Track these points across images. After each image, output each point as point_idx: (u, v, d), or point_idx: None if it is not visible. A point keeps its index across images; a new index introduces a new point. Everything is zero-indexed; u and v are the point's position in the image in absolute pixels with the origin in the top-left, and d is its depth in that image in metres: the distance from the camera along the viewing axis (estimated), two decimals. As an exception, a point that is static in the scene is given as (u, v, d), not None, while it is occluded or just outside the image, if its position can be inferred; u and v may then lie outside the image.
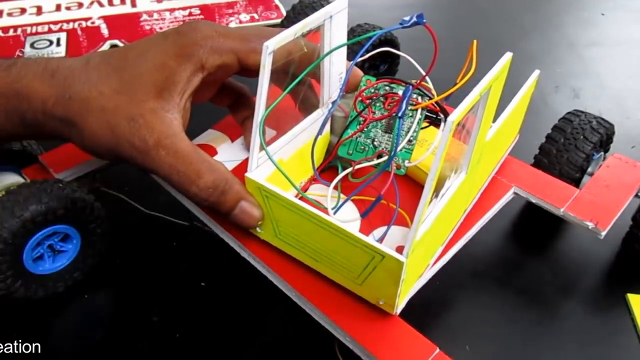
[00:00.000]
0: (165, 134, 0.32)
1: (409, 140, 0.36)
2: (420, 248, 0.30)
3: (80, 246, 0.38)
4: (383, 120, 0.37)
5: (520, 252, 0.45)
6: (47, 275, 0.37)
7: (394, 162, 0.36)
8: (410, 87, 0.36)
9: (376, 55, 0.48)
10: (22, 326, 0.38)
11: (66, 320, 0.39)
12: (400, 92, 0.37)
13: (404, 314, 0.33)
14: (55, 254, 0.38)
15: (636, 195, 0.42)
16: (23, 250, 0.35)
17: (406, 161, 0.36)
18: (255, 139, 0.32)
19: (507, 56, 0.30)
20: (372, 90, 0.38)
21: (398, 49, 0.56)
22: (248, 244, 0.36)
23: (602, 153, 0.46)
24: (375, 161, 0.36)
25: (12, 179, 0.40)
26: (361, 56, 0.35)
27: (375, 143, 0.37)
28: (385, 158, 0.36)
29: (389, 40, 0.56)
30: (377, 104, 0.37)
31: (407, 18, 0.31)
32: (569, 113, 0.46)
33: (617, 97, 0.64)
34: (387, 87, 0.38)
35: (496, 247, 0.45)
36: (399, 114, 0.35)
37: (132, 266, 0.42)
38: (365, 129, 0.37)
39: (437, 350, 0.30)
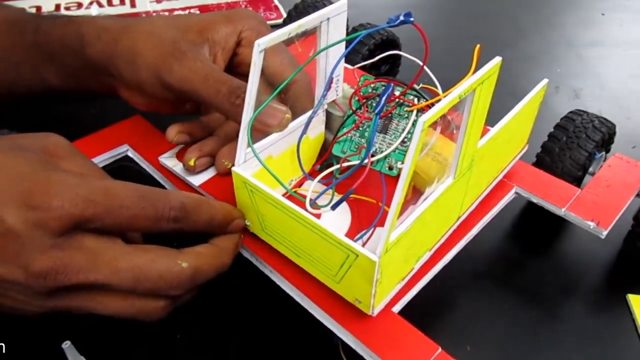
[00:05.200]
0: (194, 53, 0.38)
1: (402, 142, 0.36)
2: (398, 250, 0.30)
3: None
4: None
5: (521, 252, 0.45)
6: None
7: (387, 162, 0.36)
8: (391, 85, 0.36)
9: (376, 55, 0.48)
10: (17, 327, 0.38)
11: (64, 322, 0.38)
12: (398, 93, 0.37)
13: (405, 313, 0.33)
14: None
15: (638, 195, 0.42)
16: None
17: (399, 162, 0.36)
18: (243, 134, 0.33)
19: (496, 60, 0.29)
20: (370, 90, 0.38)
21: (400, 50, 0.56)
22: (250, 244, 0.36)
23: (604, 153, 0.46)
24: (367, 160, 0.36)
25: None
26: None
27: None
28: (378, 157, 0.36)
29: (390, 41, 0.56)
30: (373, 104, 0.37)
31: (394, 17, 0.31)
32: (571, 112, 0.46)
33: (617, 97, 0.64)
34: (384, 87, 0.38)
35: (497, 247, 0.45)
36: (376, 111, 0.35)
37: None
38: (360, 128, 0.37)
39: (439, 349, 0.30)
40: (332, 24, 0.34)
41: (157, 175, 0.41)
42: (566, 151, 0.43)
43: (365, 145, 0.37)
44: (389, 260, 0.29)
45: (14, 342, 0.37)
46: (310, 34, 0.34)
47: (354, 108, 0.37)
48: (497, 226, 0.44)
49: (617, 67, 0.70)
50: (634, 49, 0.74)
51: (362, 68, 0.55)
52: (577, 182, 0.43)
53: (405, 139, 0.36)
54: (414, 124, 0.36)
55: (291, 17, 0.60)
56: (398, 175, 0.37)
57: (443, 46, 0.66)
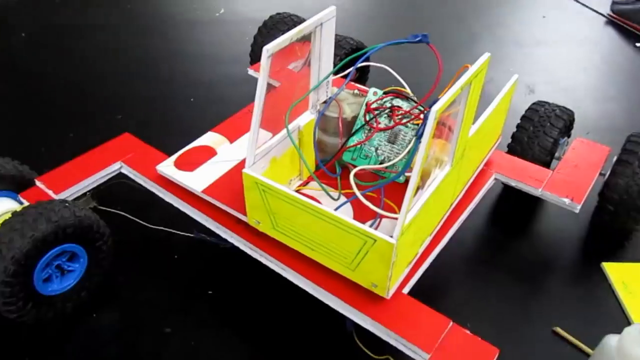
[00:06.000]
0: None
1: (408, 152, 0.39)
2: (410, 233, 0.32)
3: (87, 264, 0.38)
4: (387, 131, 0.40)
5: (503, 235, 0.48)
6: (56, 296, 0.37)
7: (395, 169, 0.40)
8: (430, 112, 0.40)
9: (347, 64, 0.50)
10: (34, 349, 0.37)
11: (77, 340, 0.38)
12: (400, 103, 0.41)
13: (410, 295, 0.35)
14: (63, 274, 0.38)
15: (600, 174, 0.46)
16: (34, 271, 0.35)
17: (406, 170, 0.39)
18: (254, 138, 0.34)
19: (485, 56, 0.33)
20: (379, 103, 0.41)
21: (368, 59, 0.59)
22: (260, 244, 0.37)
23: (566, 138, 0.50)
24: (379, 166, 0.39)
25: (8, 204, 0.40)
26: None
27: (378, 151, 0.40)
28: (387, 164, 0.39)
29: (359, 49, 0.59)
30: (383, 115, 0.41)
31: (412, 36, 0.34)
32: (534, 103, 0.50)
33: (567, 89, 0.70)
34: (392, 100, 0.41)
35: (482, 233, 0.49)
36: (418, 134, 0.37)
37: (138, 281, 0.43)
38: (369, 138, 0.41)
39: (451, 323, 0.33)
40: (324, 29, 0.37)
41: (155, 188, 0.42)
42: (534, 139, 0.47)
43: (387, 158, 0.40)
44: (403, 242, 0.31)
45: (13, 343, 0.37)
46: (306, 39, 0.36)
47: (366, 119, 0.40)
48: (480, 213, 0.48)
49: (563, 62, 0.76)
50: (578, 46, 0.81)
51: (336, 74, 0.58)
52: (546, 166, 0.47)
53: (411, 150, 0.39)
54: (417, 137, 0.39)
55: (262, 34, 0.62)
56: (404, 182, 0.39)
57: (398, 52, 0.70)
